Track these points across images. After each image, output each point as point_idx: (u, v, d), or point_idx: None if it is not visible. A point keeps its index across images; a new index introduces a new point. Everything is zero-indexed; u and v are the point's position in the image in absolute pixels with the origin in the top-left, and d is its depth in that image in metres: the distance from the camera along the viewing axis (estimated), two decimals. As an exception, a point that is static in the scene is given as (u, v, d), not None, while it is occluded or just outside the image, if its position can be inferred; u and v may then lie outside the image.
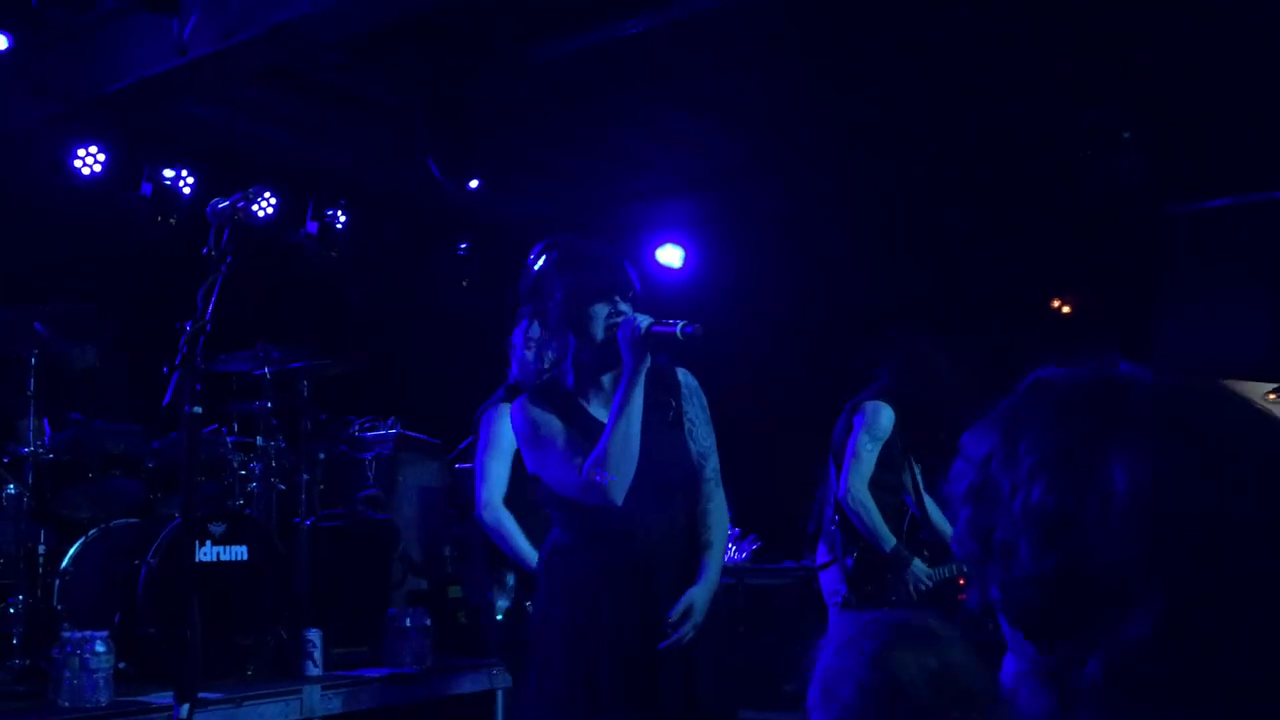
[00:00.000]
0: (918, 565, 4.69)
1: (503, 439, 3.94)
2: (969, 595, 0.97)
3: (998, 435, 0.94)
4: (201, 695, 3.07)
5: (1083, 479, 0.87)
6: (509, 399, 3.65)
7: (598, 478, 2.75)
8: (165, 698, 4.00)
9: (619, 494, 2.77)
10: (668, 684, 2.83)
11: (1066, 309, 8.49)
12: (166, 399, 2.56)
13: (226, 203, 2.75)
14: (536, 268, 3.09)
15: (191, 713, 2.47)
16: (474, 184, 6.50)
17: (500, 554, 4.07)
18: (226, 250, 2.68)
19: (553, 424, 2.90)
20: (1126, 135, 6.12)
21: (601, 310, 2.93)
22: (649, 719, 2.79)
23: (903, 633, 1.52)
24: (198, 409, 2.54)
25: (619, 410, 2.81)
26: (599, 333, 2.91)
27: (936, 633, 1.53)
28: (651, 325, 2.84)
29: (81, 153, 6.48)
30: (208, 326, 2.62)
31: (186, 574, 2.69)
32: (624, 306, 2.93)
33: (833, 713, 1.50)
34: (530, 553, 3.84)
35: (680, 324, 2.87)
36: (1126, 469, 0.85)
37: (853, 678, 1.49)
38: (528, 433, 2.92)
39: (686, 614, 2.84)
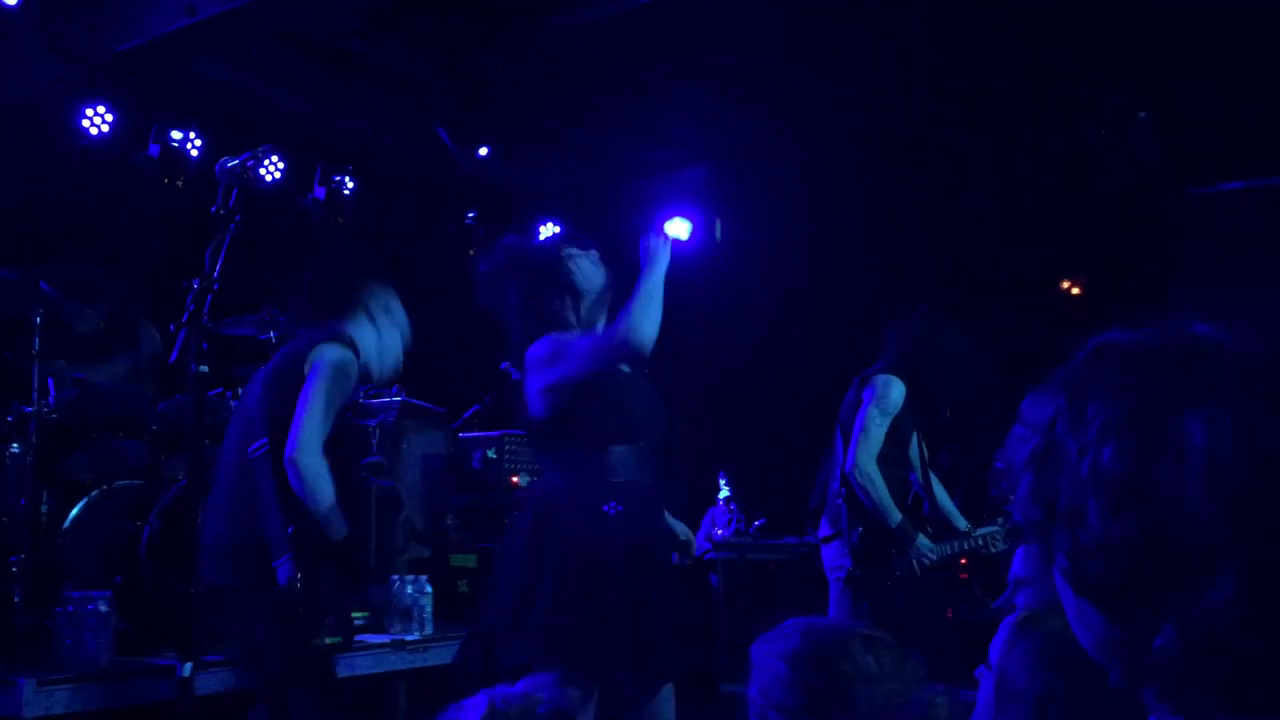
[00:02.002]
0: (922, 541, 4.68)
1: None
2: (1018, 565, 0.95)
3: (1063, 399, 0.91)
4: (202, 658, 3.08)
5: (1157, 440, 0.84)
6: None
7: (630, 334, 3.18)
8: (166, 659, 4.00)
9: (649, 345, 3.22)
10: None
11: (1076, 290, 8.45)
12: (173, 356, 2.54)
13: (236, 161, 2.73)
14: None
15: (194, 672, 2.46)
16: (483, 151, 6.45)
17: None
18: (235, 209, 2.66)
19: (569, 337, 3.35)
20: (1143, 116, 6.07)
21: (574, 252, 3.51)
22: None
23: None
24: (204, 367, 2.52)
25: (646, 273, 3.42)
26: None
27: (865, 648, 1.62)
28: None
29: (90, 112, 6.44)
30: (215, 285, 2.60)
31: (191, 533, 2.67)
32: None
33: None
34: None
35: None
36: (1203, 430, 0.82)
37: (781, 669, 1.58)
38: (549, 350, 3.33)
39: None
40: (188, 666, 2.49)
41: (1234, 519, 0.80)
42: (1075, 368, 0.93)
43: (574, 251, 3.56)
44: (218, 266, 2.61)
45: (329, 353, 3.29)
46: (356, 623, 5.13)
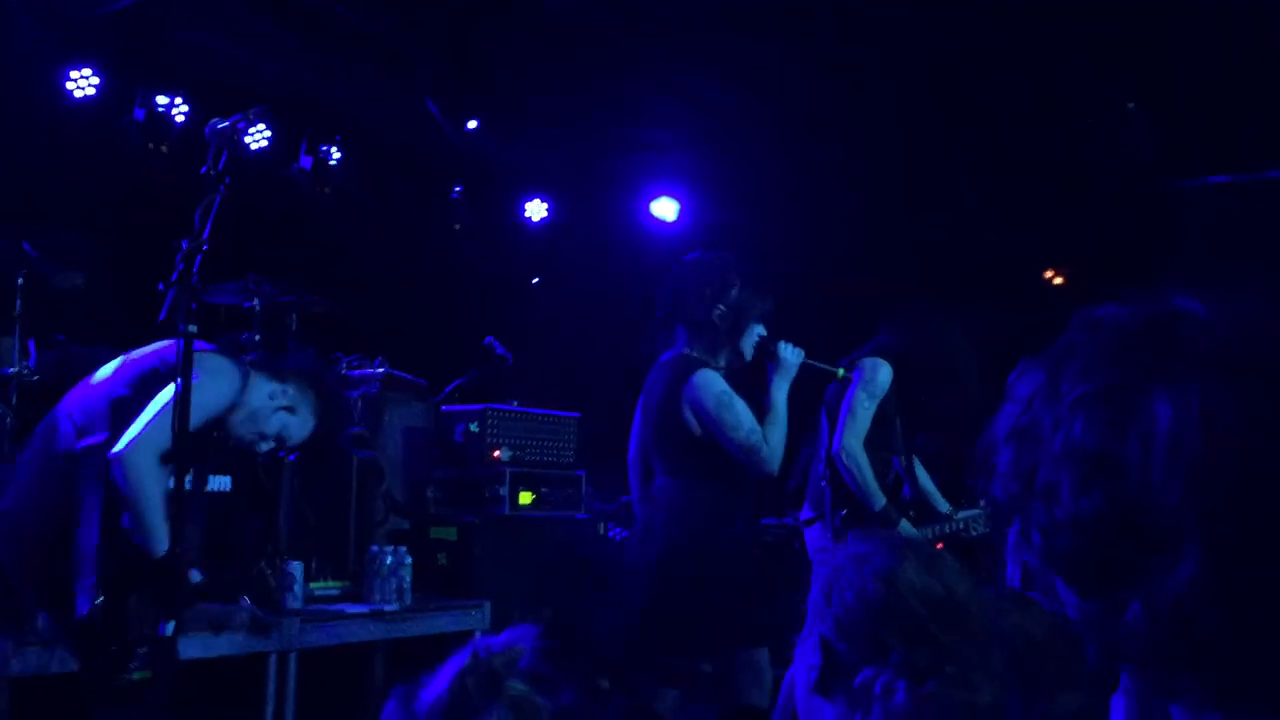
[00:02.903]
0: (905, 526, 4.71)
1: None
2: (1010, 541, 0.95)
3: (1043, 373, 0.91)
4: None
5: (1125, 414, 0.84)
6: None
7: (769, 465, 3.87)
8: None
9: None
10: None
11: (1059, 280, 8.49)
12: (161, 315, 2.53)
13: (226, 123, 2.71)
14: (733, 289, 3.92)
15: (177, 631, 2.46)
16: (472, 125, 6.42)
17: None
18: (225, 171, 2.65)
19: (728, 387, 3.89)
20: (1131, 107, 6.08)
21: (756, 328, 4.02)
22: None
23: (913, 554, 1.54)
24: (192, 327, 2.51)
25: (782, 409, 3.94)
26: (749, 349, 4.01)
27: (945, 560, 1.54)
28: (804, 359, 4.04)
29: (75, 75, 6.38)
30: (205, 246, 2.59)
31: (179, 494, 2.66)
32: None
33: (830, 615, 1.51)
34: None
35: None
36: (1170, 405, 0.83)
37: (855, 587, 1.50)
38: (721, 393, 3.84)
39: None
40: (170, 624, 2.49)
41: (1198, 496, 0.81)
42: (1058, 342, 0.94)
43: (759, 328, 4.05)
44: (207, 227, 2.60)
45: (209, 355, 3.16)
46: (332, 591, 5.15)
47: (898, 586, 1.49)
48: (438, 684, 1.23)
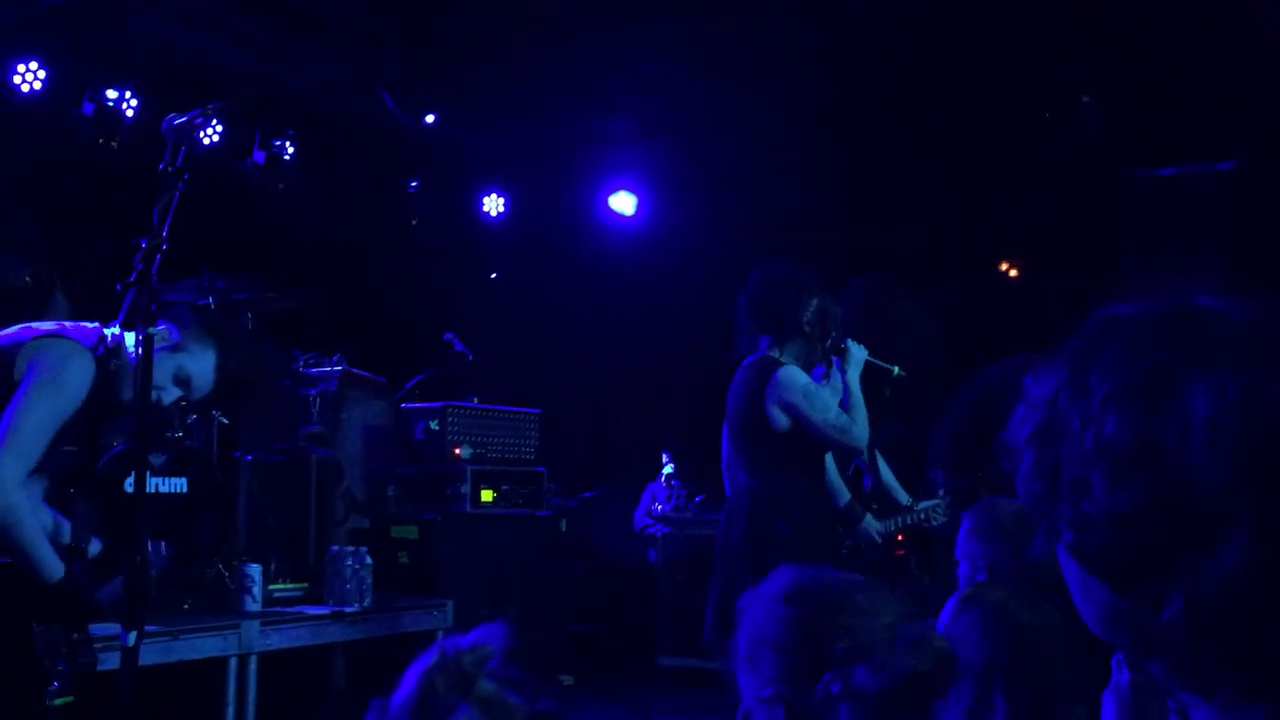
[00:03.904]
0: (870, 521, 4.71)
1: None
2: (1034, 543, 0.94)
3: (1065, 372, 0.90)
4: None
5: (1162, 407, 0.84)
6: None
7: (857, 444, 4.26)
8: (101, 628, 3.91)
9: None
10: None
11: (1014, 272, 8.56)
12: (120, 317, 2.47)
13: (184, 119, 2.65)
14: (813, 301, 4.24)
15: (139, 642, 2.41)
16: (430, 119, 6.36)
17: None
18: (184, 168, 2.58)
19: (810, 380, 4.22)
20: (1086, 100, 6.14)
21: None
22: None
23: (801, 579, 1.62)
24: (153, 329, 2.45)
25: (860, 395, 4.34)
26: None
27: (831, 579, 1.63)
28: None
29: (21, 69, 6.25)
30: (164, 245, 2.53)
31: (137, 500, 2.60)
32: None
33: (765, 669, 1.55)
34: None
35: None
36: (1208, 395, 0.82)
37: (776, 624, 1.56)
38: (804, 386, 4.12)
39: None
40: (132, 635, 2.43)
41: (1242, 483, 0.80)
42: (1076, 342, 0.93)
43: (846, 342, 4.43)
44: (166, 225, 2.54)
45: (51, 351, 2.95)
46: (292, 592, 5.08)
47: (807, 598, 1.56)
48: (406, 684, 1.21)
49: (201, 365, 3.25)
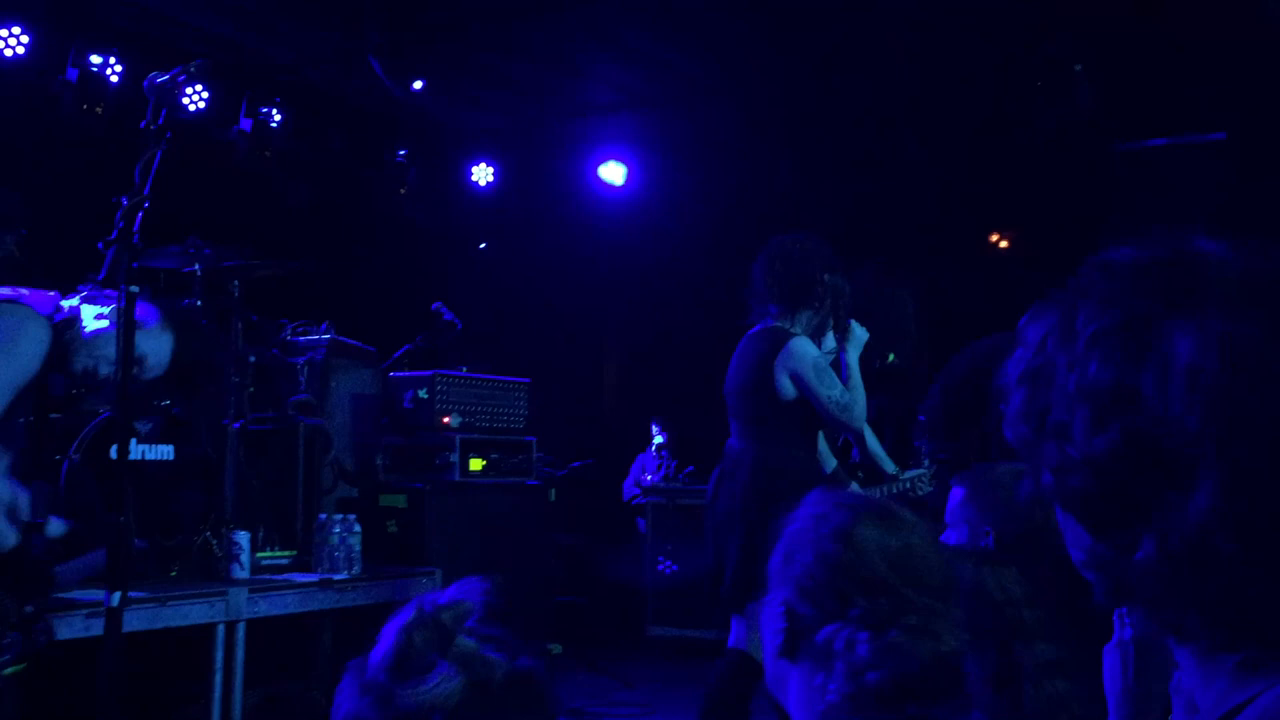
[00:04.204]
0: (854, 489, 4.73)
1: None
2: (1021, 486, 0.94)
3: (1056, 315, 0.90)
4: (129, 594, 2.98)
5: (1143, 347, 0.83)
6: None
7: (857, 424, 4.36)
8: (87, 594, 3.91)
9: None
10: None
11: (1005, 244, 8.55)
12: (102, 274, 2.44)
13: (166, 76, 2.62)
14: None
15: (122, 602, 2.39)
16: (418, 85, 6.31)
17: None
18: (165, 126, 2.55)
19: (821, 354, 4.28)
20: (1078, 69, 6.11)
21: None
22: None
23: (870, 511, 1.53)
24: (134, 288, 2.43)
25: (859, 376, 4.41)
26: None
27: (902, 516, 1.54)
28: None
29: (4, 33, 6.17)
30: (145, 203, 2.50)
31: (120, 460, 2.57)
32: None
33: (790, 578, 1.50)
34: None
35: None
36: (1188, 338, 0.82)
37: (814, 546, 1.49)
38: (815, 360, 4.17)
39: None
40: (115, 596, 2.41)
41: (1215, 427, 0.80)
42: (1070, 284, 0.92)
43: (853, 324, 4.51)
44: (148, 183, 2.51)
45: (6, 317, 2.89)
46: (280, 560, 5.08)
47: (855, 542, 1.48)
48: (383, 641, 1.20)
49: (158, 345, 3.20)
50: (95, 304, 3.14)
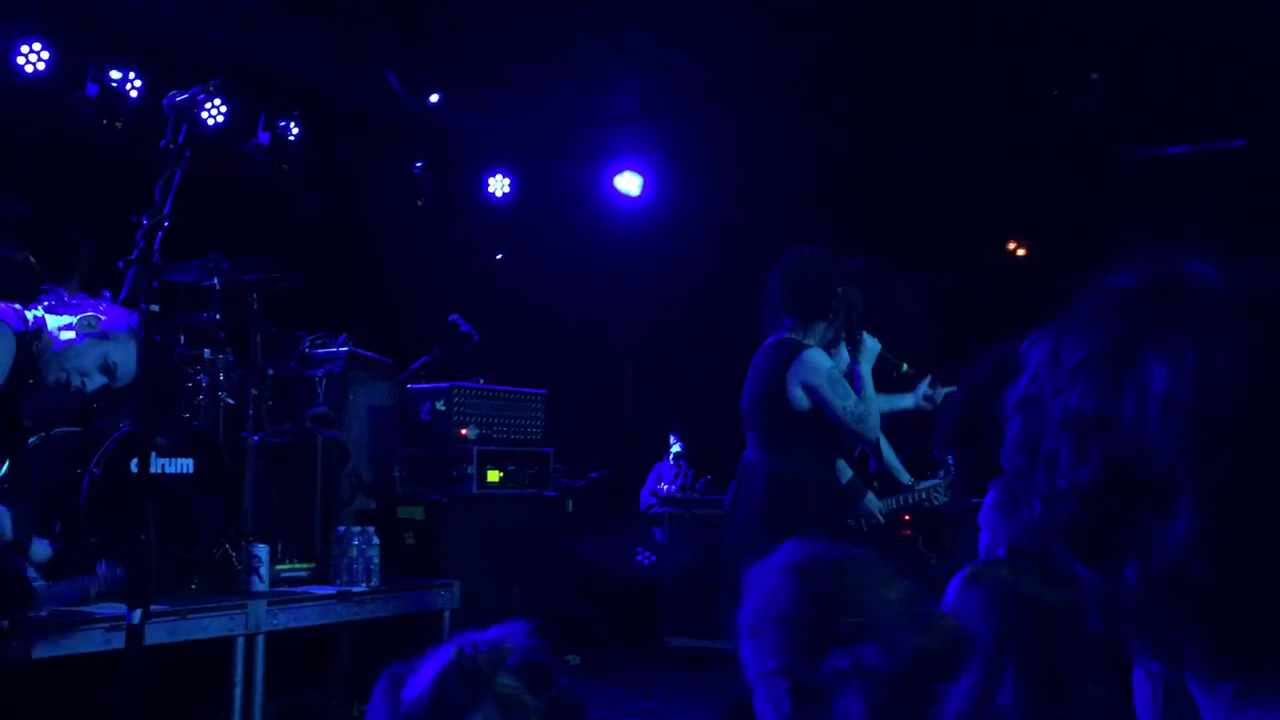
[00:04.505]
0: (871, 500, 4.72)
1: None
2: (1021, 514, 0.94)
3: (1049, 341, 0.90)
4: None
5: (1121, 374, 0.83)
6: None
7: (871, 435, 4.38)
8: (106, 608, 3.93)
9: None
10: None
11: (1022, 251, 8.52)
12: (123, 293, 2.46)
13: (185, 95, 2.64)
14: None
15: (144, 620, 2.41)
16: (434, 98, 6.34)
17: None
18: (185, 144, 2.57)
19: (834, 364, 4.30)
20: (1095, 76, 6.09)
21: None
22: None
23: (798, 551, 1.59)
24: (154, 307, 2.44)
25: (872, 387, 4.46)
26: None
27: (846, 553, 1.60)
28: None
29: (25, 49, 6.22)
30: (166, 221, 2.52)
31: (140, 476, 2.58)
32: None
33: (771, 636, 1.52)
34: None
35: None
36: (1165, 362, 0.82)
37: (775, 594, 1.54)
38: (830, 370, 4.21)
39: None
40: (137, 613, 2.43)
41: (1191, 453, 0.80)
42: (1067, 310, 0.93)
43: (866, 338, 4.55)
44: (168, 202, 2.53)
45: None
46: (299, 573, 5.09)
47: (804, 569, 1.54)
48: (421, 679, 1.20)
49: (127, 354, 3.23)
50: (59, 314, 3.18)
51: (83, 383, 3.18)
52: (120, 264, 2.53)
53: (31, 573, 3.19)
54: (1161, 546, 0.81)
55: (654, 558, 7.47)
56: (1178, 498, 0.80)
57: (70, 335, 3.20)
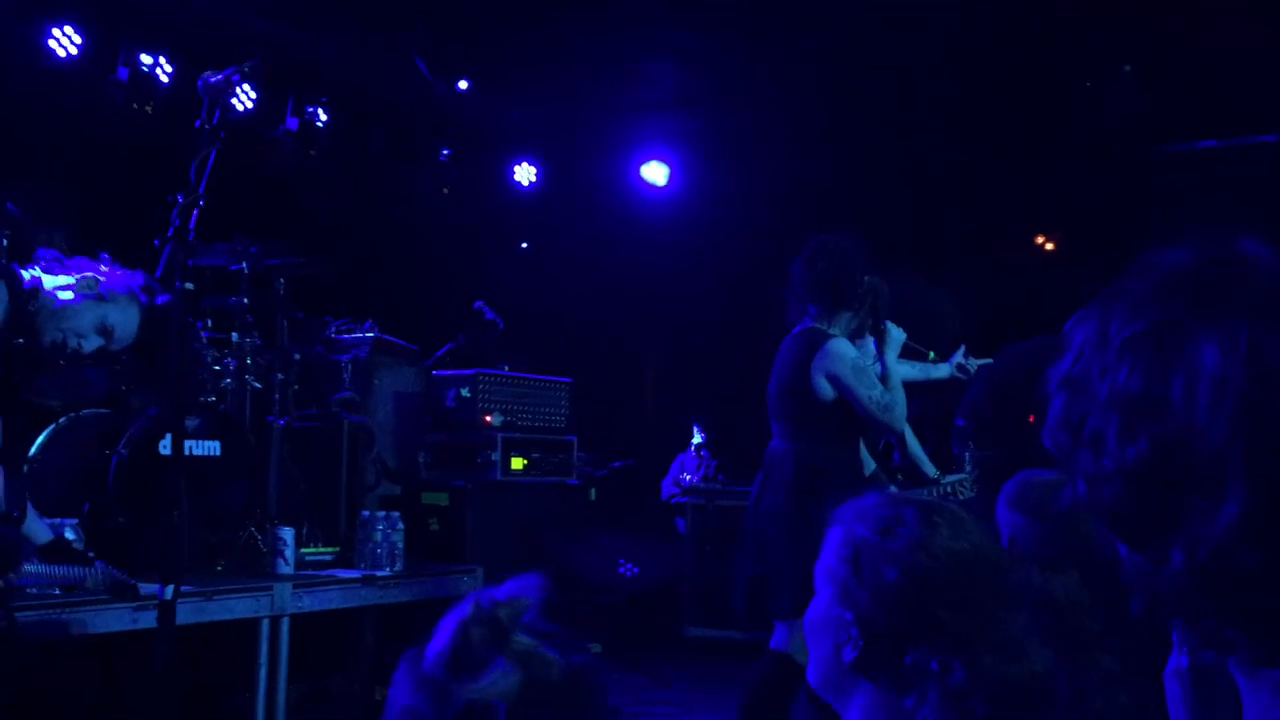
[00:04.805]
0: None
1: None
2: (1064, 494, 0.93)
3: (1095, 320, 0.89)
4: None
5: (1171, 355, 0.82)
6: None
7: (896, 426, 4.32)
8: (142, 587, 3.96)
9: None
10: None
11: (1050, 245, 8.47)
12: (159, 271, 2.47)
13: (220, 77, 2.65)
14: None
15: (175, 595, 2.42)
16: (463, 85, 6.34)
17: None
18: (220, 125, 2.59)
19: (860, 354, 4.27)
20: (1127, 69, 6.04)
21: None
22: None
23: (939, 515, 1.49)
24: (189, 284, 2.46)
25: (898, 377, 4.38)
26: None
27: (962, 517, 1.51)
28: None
29: (57, 33, 6.26)
30: (201, 201, 2.53)
31: (172, 456, 2.60)
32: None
33: (865, 592, 1.44)
34: None
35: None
36: (1217, 344, 0.80)
37: (896, 560, 1.44)
38: (854, 361, 4.16)
39: None
40: (169, 589, 2.45)
41: (1242, 438, 0.79)
42: (1114, 287, 0.91)
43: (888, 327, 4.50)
44: (203, 182, 2.54)
45: None
46: (324, 557, 5.12)
47: (937, 555, 1.44)
48: (440, 636, 1.20)
49: (126, 317, 3.25)
50: (55, 274, 3.20)
51: (79, 344, 3.20)
52: (156, 242, 2.55)
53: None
54: (1209, 530, 0.80)
55: (636, 570, 7.47)
56: (1227, 482, 0.79)
57: (68, 296, 3.23)
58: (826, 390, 4.19)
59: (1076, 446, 0.88)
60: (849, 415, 4.24)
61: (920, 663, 1.39)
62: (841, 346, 4.21)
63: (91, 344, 3.24)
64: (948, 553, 1.44)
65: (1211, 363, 0.80)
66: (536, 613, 1.25)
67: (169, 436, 2.64)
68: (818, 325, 4.30)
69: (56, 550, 3.44)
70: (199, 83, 2.66)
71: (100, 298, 3.21)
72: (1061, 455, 0.91)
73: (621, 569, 7.53)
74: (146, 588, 2.75)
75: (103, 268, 3.41)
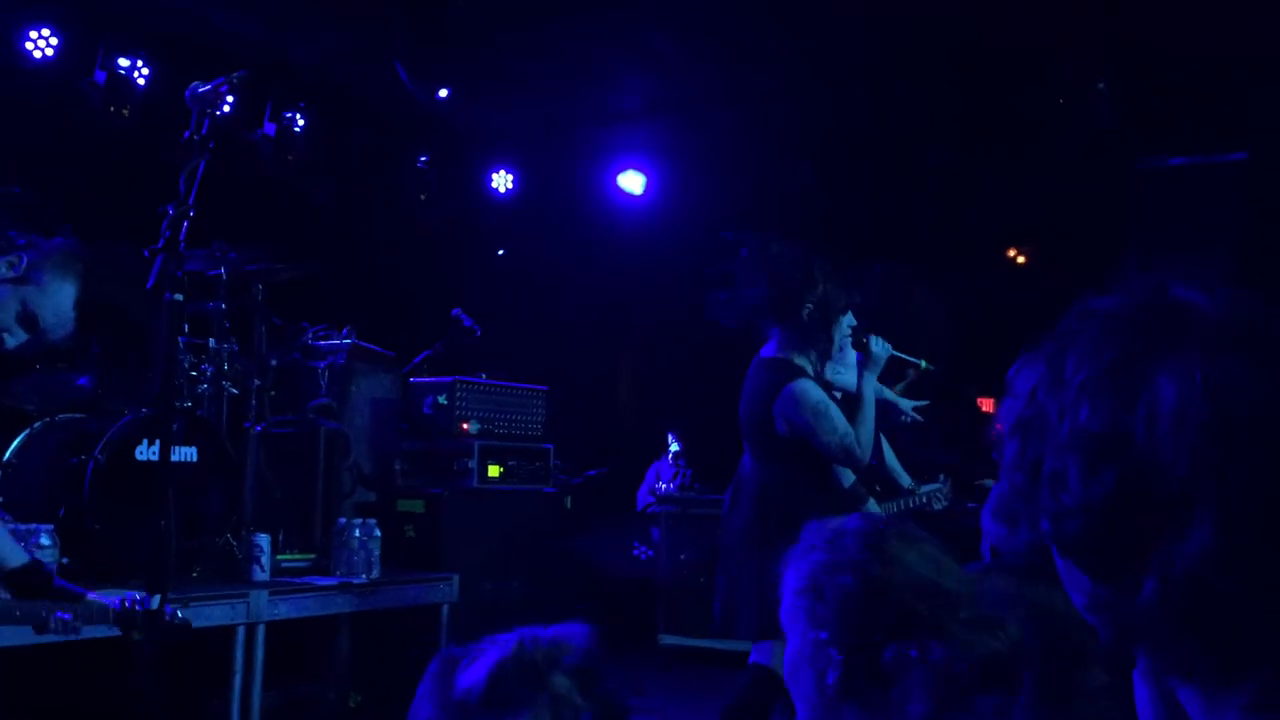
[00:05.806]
0: (872, 505, 4.73)
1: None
2: (1017, 535, 0.95)
3: (1044, 363, 0.92)
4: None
5: (1131, 395, 0.84)
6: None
7: (858, 458, 4.01)
8: (109, 595, 3.94)
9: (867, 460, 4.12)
10: None
11: (1022, 259, 8.56)
12: (150, 283, 2.46)
13: (208, 87, 2.65)
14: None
15: (163, 605, 2.42)
16: (443, 93, 6.35)
17: None
18: (209, 136, 2.59)
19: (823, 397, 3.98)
20: (1101, 86, 6.12)
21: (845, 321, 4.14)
22: None
23: (884, 528, 1.54)
24: (178, 296, 2.46)
25: (871, 403, 4.09)
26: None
27: (909, 528, 1.56)
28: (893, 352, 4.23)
29: (34, 34, 6.23)
30: (191, 212, 2.54)
31: (160, 463, 2.60)
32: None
33: (832, 609, 1.48)
34: None
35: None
36: (1174, 381, 0.83)
37: (851, 571, 1.48)
38: (817, 401, 3.93)
39: None
40: (155, 598, 2.45)
41: (1206, 468, 0.81)
42: (1056, 333, 0.94)
43: (849, 320, 4.19)
44: (193, 193, 2.55)
45: None
46: (300, 563, 5.11)
47: (890, 555, 1.48)
48: (478, 669, 1.21)
49: (55, 301, 2.83)
50: None
51: (2, 338, 2.77)
52: (146, 252, 2.54)
53: None
54: (1180, 561, 0.82)
55: (651, 553, 7.48)
56: (1194, 512, 0.81)
57: None
58: (785, 428, 4.04)
59: (1035, 486, 0.91)
60: (812, 450, 4.06)
61: (900, 653, 1.42)
62: (801, 390, 3.98)
63: (16, 338, 2.80)
64: (901, 553, 1.48)
65: (1169, 398, 0.83)
66: (580, 657, 1.26)
67: (157, 443, 2.54)
68: (782, 356, 4.10)
69: (29, 579, 3.01)
70: (187, 93, 2.66)
71: (20, 280, 2.76)
72: (1020, 495, 0.94)
73: (636, 551, 7.54)
74: (131, 595, 2.74)
75: (21, 242, 2.94)
